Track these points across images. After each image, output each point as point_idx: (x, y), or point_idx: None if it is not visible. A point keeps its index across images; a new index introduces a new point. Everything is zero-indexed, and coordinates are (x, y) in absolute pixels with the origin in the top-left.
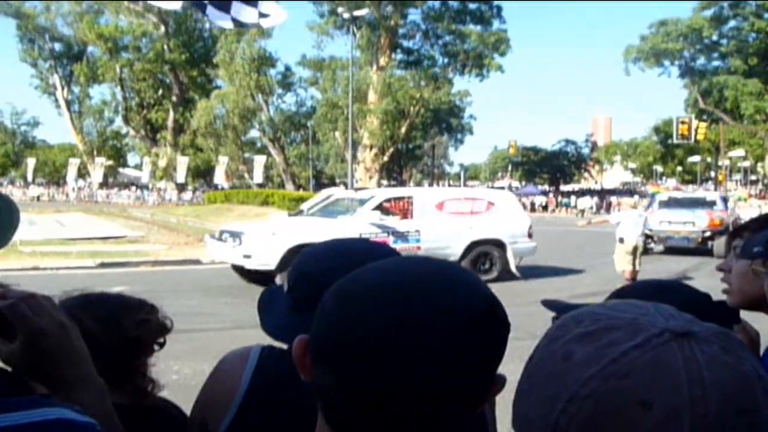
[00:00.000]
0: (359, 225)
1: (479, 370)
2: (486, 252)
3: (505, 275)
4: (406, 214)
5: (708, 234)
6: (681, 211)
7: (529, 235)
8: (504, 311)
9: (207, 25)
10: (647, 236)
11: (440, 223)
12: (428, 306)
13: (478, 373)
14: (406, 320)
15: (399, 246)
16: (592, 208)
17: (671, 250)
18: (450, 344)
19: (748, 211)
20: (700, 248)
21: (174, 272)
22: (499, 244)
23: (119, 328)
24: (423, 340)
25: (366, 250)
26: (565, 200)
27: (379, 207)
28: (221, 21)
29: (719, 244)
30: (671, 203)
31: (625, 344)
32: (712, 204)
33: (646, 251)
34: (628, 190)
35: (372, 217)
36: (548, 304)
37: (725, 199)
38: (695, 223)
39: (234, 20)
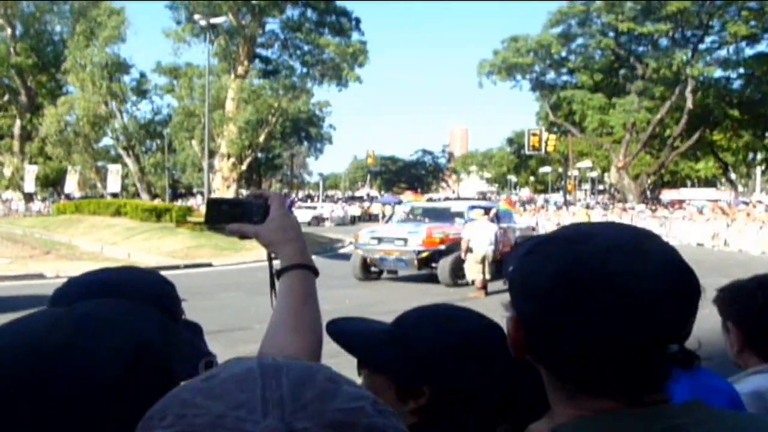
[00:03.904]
0: None
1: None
2: None
3: None
4: None
5: (425, 254)
6: (400, 226)
7: None
8: (155, 360)
9: (57, 28)
10: (365, 259)
11: None
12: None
13: None
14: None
15: None
16: None
17: (408, 277)
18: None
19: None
20: (427, 273)
21: (12, 288)
22: None
23: None
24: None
25: (124, 280)
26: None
27: None
28: None
29: (443, 268)
30: (414, 215)
31: None
32: (457, 216)
33: (376, 276)
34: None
35: None
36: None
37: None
38: (408, 240)
39: None
